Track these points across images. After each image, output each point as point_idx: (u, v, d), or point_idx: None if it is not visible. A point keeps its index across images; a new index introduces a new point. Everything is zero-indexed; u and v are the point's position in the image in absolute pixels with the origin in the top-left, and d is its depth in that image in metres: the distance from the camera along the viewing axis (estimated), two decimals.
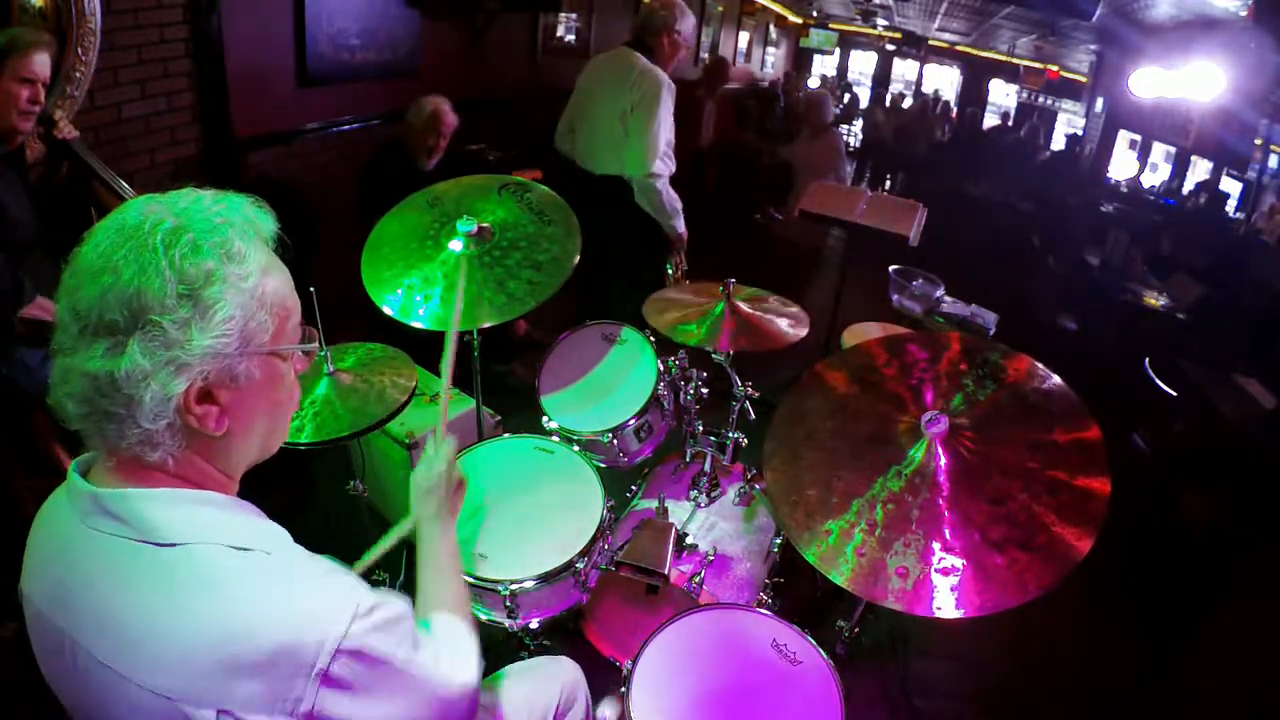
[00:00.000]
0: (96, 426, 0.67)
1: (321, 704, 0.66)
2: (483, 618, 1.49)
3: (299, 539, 0.75)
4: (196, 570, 0.66)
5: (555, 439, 1.77)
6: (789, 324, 1.82)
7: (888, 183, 9.67)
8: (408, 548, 1.13)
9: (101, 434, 0.68)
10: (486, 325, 1.63)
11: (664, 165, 2.60)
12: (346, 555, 1.39)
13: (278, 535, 0.74)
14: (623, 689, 1.29)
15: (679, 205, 2.70)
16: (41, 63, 1.65)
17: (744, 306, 1.83)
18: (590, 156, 2.75)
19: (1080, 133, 9.05)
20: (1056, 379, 1.26)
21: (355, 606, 0.69)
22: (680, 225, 2.72)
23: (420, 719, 0.76)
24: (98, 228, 0.67)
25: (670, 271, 2.75)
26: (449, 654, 0.84)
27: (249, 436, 0.76)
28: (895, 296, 3.20)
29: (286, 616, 0.66)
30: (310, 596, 0.69)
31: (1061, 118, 10.27)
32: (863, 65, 13.52)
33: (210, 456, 0.73)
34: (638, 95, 2.54)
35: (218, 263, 0.67)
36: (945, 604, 1.06)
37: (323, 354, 1.54)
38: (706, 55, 7.66)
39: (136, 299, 0.63)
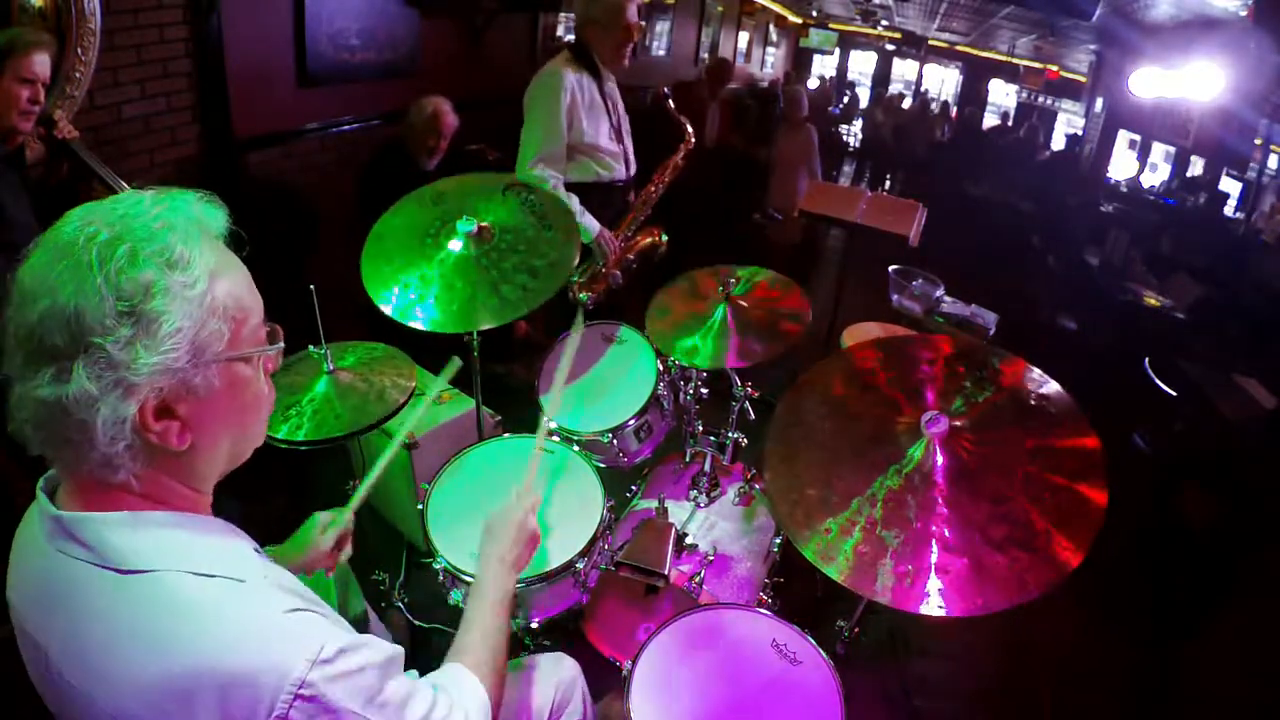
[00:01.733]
0: (56, 451, 0.66)
1: None
2: None
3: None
4: (159, 598, 0.64)
5: (555, 439, 1.77)
6: (790, 312, 1.81)
7: (888, 183, 9.67)
8: (408, 548, 1.13)
9: (62, 459, 0.66)
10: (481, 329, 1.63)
11: (547, 167, 2.34)
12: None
13: (247, 560, 0.71)
14: (622, 689, 1.29)
15: (578, 206, 2.36)
16: (41, 63, 1.65)
17: (744, 304, 1.83)
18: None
19: (1080, 133, 9.04)
20: (1055, 385, 1.26)
21: (318, 650, 0.65)
22: (593, 226, 2.40)
23: None
24: (38, 244, 0.63)
25: (577, 280, 2.48)
26: (441, 713, 0.77)
27: (215, 447, 0.73)
28: (895, 296, 3.20)
29: (245, 653, 0.63)
30: (272, 634, 0.65)
31: (1061, 118, 10.26)
32: (863, 65, 13.51)
33: (176, 473, 0.71)
34: (529, 93, 2.35)
35: (158, 273, 0.62)
36: (945, 603, 1.06)
37: (322, 352, 1.54)
38: (707, 56, 7.67)
39: (76, 321, 0.60)
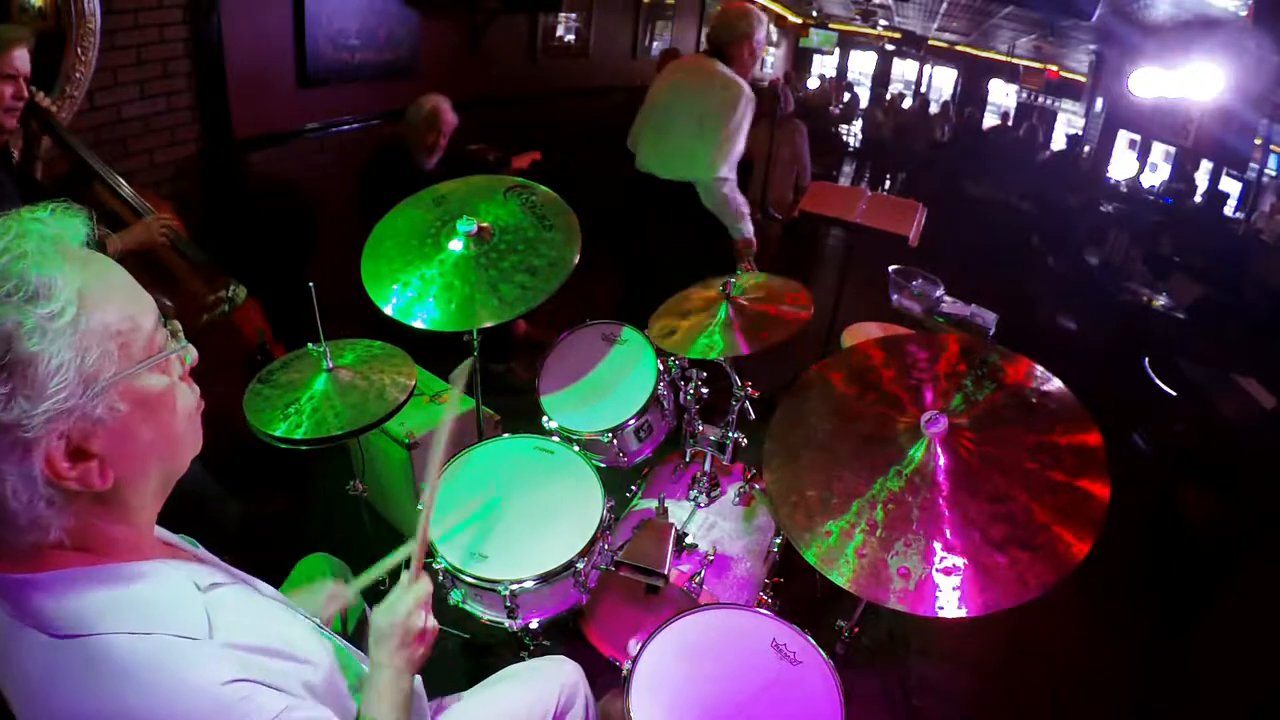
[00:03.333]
0: None
1: None
2: (483, 618, 1.49)
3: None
4: (93, 664, 0.61)
5: (555, 439, 1.77)
6: (791, 303, 1.81)
7: (888, 183, 9.66)
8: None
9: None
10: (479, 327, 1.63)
11: (730, 170, 2.63)
12: (346, 556, 1.40)
13: (188, 606, 0.67)
14: (622, 689, 1.29)
15: (746, 209, 2.73)
16: (22, 58, 1.63)
17: (745, 302, 1.83)
18: (657, 161, 2.75)
19: (1080, 133, 9.04)
20: (1056, 381, 1.26)
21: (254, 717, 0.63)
22: (748, 230, 2.75)
23: None
24: None
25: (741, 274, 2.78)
26: None
27: (144, 474, 0.68)
28: (895, 296, 3.19)
29: (180, 715, 0.61)
30: (203, 698, 0.62)
31: (1061, 118, 10.25)
32: (862, 65, 13.51)
33: (106, 515, 0.65)
34: (717, 101, 2.56)
35: (19, 314, 0.56)
36: (947, 604, 1.06)
37: (321, 350, 1.54)
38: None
39: None
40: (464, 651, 1.87)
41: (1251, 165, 5.81)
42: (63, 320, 0.58)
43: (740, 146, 2.63)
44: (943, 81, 12.49)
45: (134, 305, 0.65)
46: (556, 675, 1.26)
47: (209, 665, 0.64)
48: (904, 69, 12.99)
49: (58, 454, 0.59)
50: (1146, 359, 3.62)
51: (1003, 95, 11.51)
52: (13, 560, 0.63)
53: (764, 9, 10.14)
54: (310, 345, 1.57)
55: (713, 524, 1.85)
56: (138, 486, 0.67)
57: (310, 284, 1.46)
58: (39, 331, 0.57)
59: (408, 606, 0.96)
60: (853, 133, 11.60)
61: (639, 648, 1.34)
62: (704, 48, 2.80)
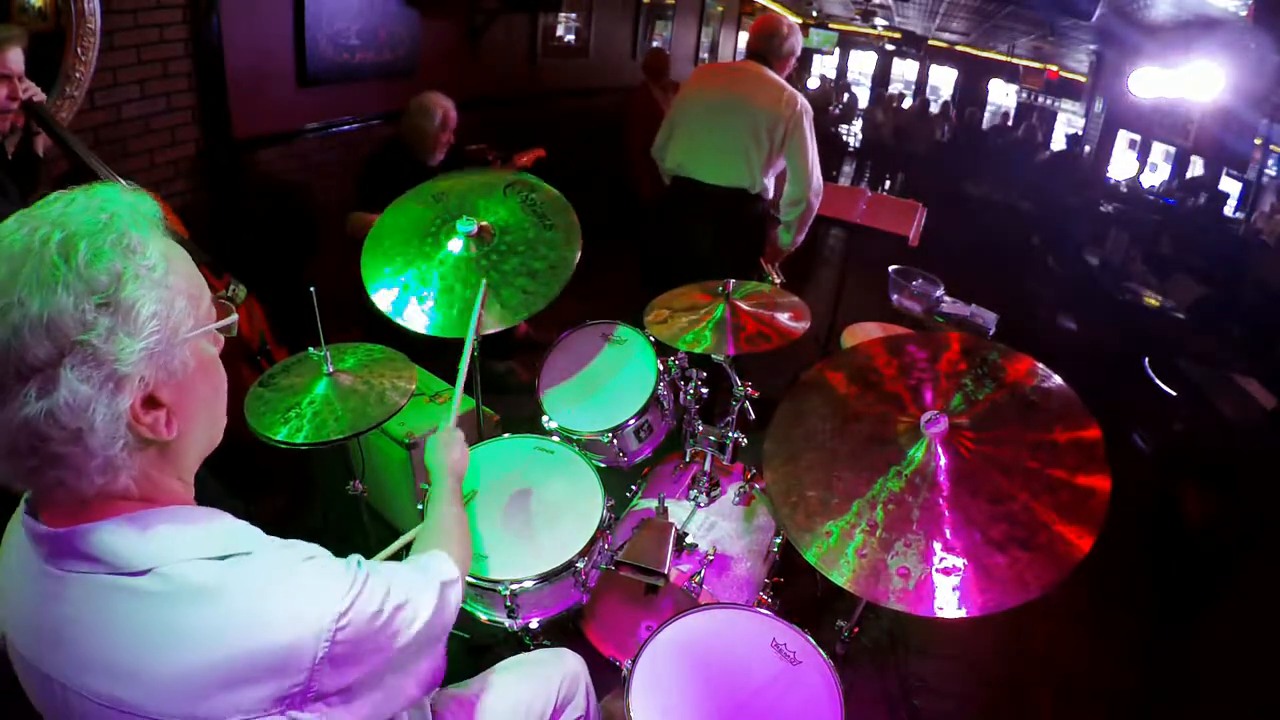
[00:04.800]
0: (41, 476, 0.63)
1: (328, 683, 0.68)
2: (483, 618, 1.49)
3: (299, 539, 0.75)
4: (179, 590, 0.64)
5: (555, 439, 1.77)
6: (789, 317, 1.81)
7: (888, 183, 9.67)
8: (408, 548, 1.13)
9: (54, 482, 0.63)
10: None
11: (822, 188, 2.74)
12: (345, 556, 1.40)
13: (249, 533, 0.73)
14: (622, 689, 1.29)
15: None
16: (15, 58, 1.61)
17: (744, 306, 1.83)
18: (699, 165, 2.73)
19: (1080, 133, 9.05)
20: (1056, 379, 1.26)
21: (341, 586, 0.70)
22: (800, 240, 2.84)
23: (416, 663, 0.82)
24: None
25: (768, 279, 2.84)
26: (400, 589, 0.81)
27: (197, 431, 0.73)
28: (895, 296, 3.20)
29: (280, 617, 0.66)
30: (299, 590, 0.69)
31: (1061, 118, 10.26)
32: (862, 65, 13.51)
33: (165, 467, 0.70)
34: (789, 117, 2.59)
35: (122, 260, 0.62)
36: (947, 604, 1.06)
37: (322, 354, 1.54)
38: (707, 55, 7.67)
39: (54, 325, 0.58)
40: (464, 652, 1.87)
41: (1251, 165, 5.82)
42: (156, 273, 0.64)
43: (816, 156, 2.69)
44: (943, 81, 12.50)
45: (199, 276, 0.72)
46: (556, 668, 1.27)
47: (285, 554, 0.71)
48: (904, 69, 12.99)
49: (138, 398, 0.64)
50: (1146, 359, 3.62)
51: (1003, 95, 11.52)
52: (74, 513, 0.65)
53: (764, 9, 10.15)
54: (311, 349, 1.56)
55: (713, 524, 1.85)
56: (190, 441, 0.73)
57: (311, 288, 1.46)
58: (138, 279, 0.63)
59: (450, 425, 1.32)
60: (853, 133, 11.61)
61: (639, 648, 1.34)
62: (745, 55, 2.84)
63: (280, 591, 0.68)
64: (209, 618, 0.64)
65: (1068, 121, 10.02)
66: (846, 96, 12.31)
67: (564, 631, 1.85)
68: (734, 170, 2.67)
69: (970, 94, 11.62)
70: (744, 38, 9.69)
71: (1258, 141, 5.74)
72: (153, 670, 0.63)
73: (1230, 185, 6.17)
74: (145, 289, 0.63)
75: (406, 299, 1.67)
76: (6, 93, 1.62)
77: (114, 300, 0.61)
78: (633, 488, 2.09)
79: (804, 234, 2.81)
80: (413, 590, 0.81)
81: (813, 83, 12.26)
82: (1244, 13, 4.74)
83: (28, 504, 0.69)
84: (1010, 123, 10.38)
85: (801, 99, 2.64)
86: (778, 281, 2.85)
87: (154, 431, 0.66)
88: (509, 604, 1.43)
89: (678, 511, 1.83)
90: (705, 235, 2.78)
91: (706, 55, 7.65)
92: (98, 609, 0.65)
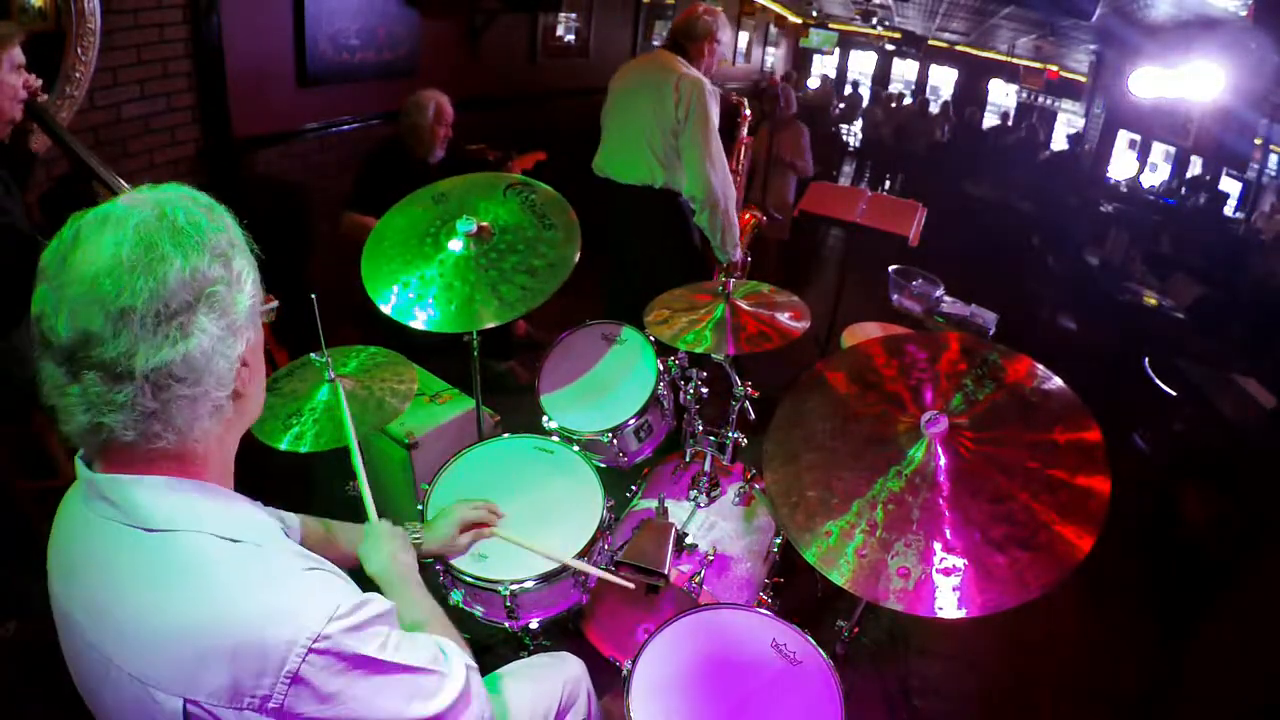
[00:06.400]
0: (143, 428, 0.67)
1: (292, 704, 0.65)
2: (483, 618, 1.49)
3: None
4: (180, 557, 0.67)
5: (555, 439, 1.77)
6: (789, 317, 1.81)
7: (887, 183, 9.67)
8: None
9: (147, 435, 0.67)
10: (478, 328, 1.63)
11: (729, 186, 2.49)
12: None
13: (269, 529, 0.76)
14: (622, 689, 1.29)
15: (738, 232, 2.60)
16: (21, 52, 1.63)
17: (744, 305, 1.83)
18: (613, 164, 2.60)
19: (1080, 133, 9.04)
20: (1056, 379, 1.26)
21: (335, 606, 0.68)
22: (737, 253, 2.61)
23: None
24: (88, 239, 0.65)
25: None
26: (447, 656, 0.82)
27: (253, 399, 0.80)
28: (895, 296, 3.20)
29: (261, 611, 0.66)
30: (289, 593, 0.69)
31: (1061, 118, 10.26)
32: (862, 65, 13.51)
33: (224, 437, 0.76)
34: (686, 93, 2.39)
35: (228, 233, 0.72)
36: (947, 604, 1.06)
37: (324, 360, 1.53)
38: None
39: (194, 276, 0.66)
40: None
41: (1251, 165, 5.82)
42: (243, 246, 0.74)
43: (719, 148, 2.46)
44: (943, 81, 12.50)
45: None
46: (559, 671, 1.27)
47: (292, 559, 0.73)
48: (904, 69, 12.99)
49: (246, 349, 0.73)
50: (1146, 359, 3.62)
51: (1003, 95, 11.51)
52: (124, 463, 0.70)
53: (764, 9, 10.15)
54: (313, 355, 1.56)
55: (713, 524, 1.85)
56: (250, 409, 0.80)
57: (313, 296, 1.45)
58: (235, 247, 0.73)
59: (372, 522, 1.24)
60: (853, 133, 11.60)
61: (639, 648, 1.34)
62: (662, 42, 2.66)
63: (272, 588, 0.68)
64: (194, 587, 0.66)
65: (1068, 121, 10.01)
66: (849, 91, 12.29)
67: (564, 632, 1.85)
68: (638, 164, 2.52)
69: (970, 94, 11.61)
70: (744, 37, 9.70)
71: (1258, 141, 5.74)
72: (135, 624, 0.66)
73: (1230, 185, 6.17)
74: (243, 257, 0.73)
75: (407, 298, 1.67)
76: (24, 83, 1.63)
77: (228, 261, 0.70)
78: (633, 488, 2.09)
79: (736, 244, 2.58)
80: (434, 663, 0.78)
81: (813, 83, 12.25)
82: (1244, 13, 4.74)
83: (83, 456, 0.73)
84: (1010, 123, 10.37)
85: (704, 79, 2.44)
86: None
87: (244, 387, 0.74)
88: (509, 604, 1.43)
89: (678, 512, 1.83)
90: (629, 238, 2.65)
91: None
92: (109, 553, 0.69)
